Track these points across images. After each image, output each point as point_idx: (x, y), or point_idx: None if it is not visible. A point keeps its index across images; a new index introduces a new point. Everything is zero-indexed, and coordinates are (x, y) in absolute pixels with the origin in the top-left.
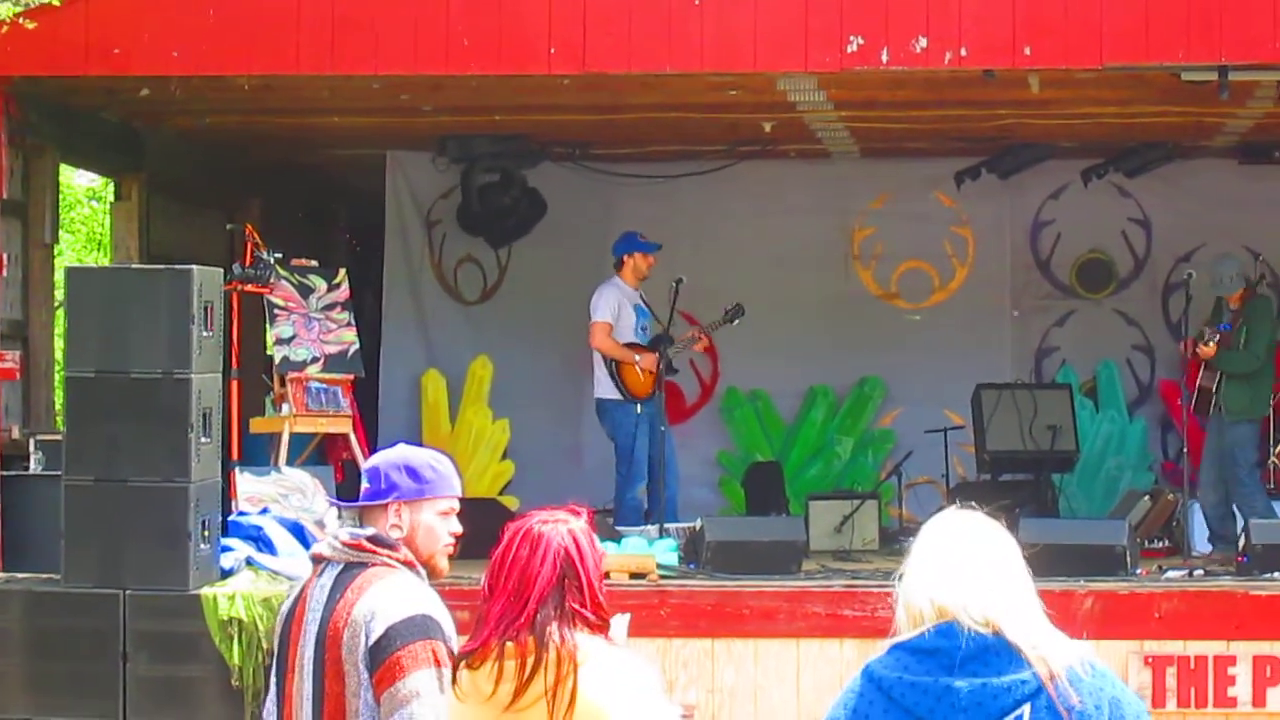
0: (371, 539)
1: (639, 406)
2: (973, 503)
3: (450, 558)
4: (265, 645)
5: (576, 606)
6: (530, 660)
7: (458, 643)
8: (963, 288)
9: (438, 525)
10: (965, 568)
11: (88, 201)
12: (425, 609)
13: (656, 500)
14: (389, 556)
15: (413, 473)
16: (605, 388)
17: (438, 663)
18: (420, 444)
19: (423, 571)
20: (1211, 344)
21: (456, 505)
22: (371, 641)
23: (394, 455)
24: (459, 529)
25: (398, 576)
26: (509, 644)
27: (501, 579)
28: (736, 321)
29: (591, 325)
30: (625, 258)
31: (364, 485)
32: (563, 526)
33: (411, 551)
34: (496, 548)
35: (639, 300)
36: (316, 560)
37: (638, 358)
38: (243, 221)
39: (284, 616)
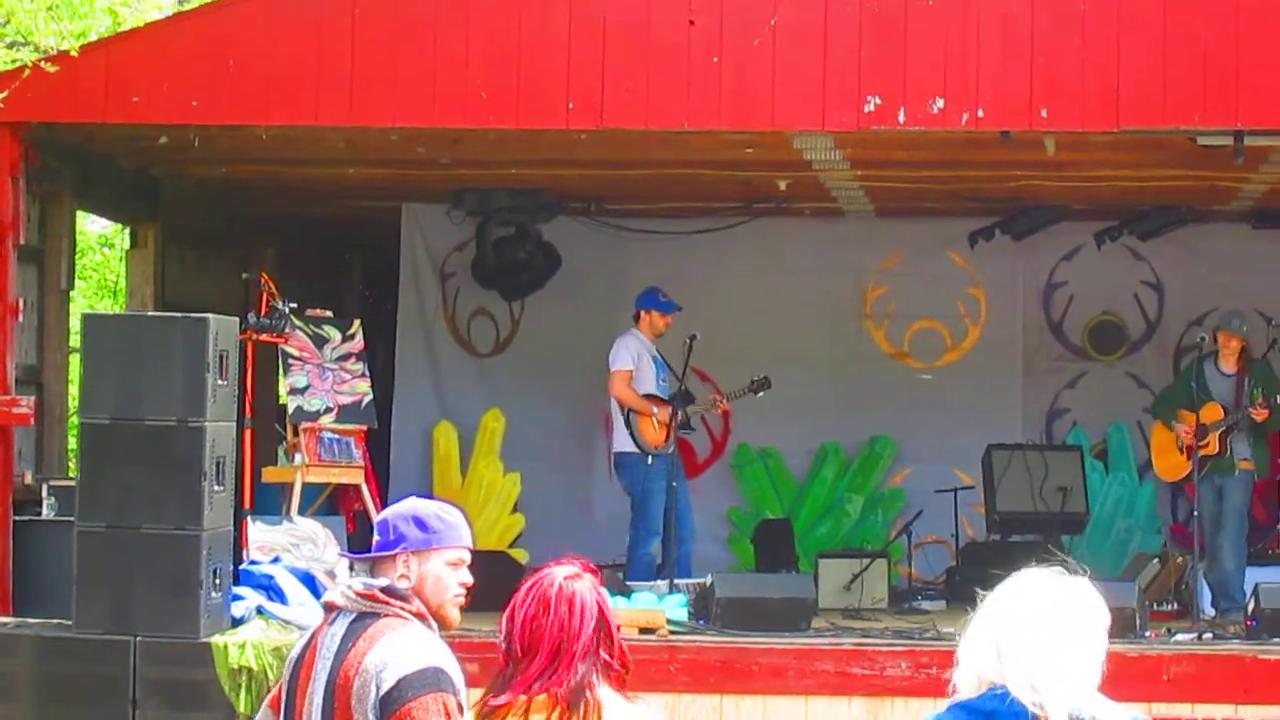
0: (385, 590)
1: (651, 459)
2: (1060, 561)
3: (460, 609)
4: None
5: (607, 658)
6: (559, 712)
7: (467, 696)
8: (975, 348)
9: (446, 575)
10: (1021, 637)
11: (100, 248)
12: (437, 661)
13: (669, 555)
14: (401, 608)
15: (420, 523)
16: (623, 440)
17: (448, 715)
18: (431, 496)
19: (434, 624)
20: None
21: (467, 556)
22: (383, 692)
23: (403, 507)
24: (469, 580)
25: (410, 628)
26: (539, 697)
27: (543, 637)
28: (761, 394)
29: (611, 374)
30: (643, 312)
31: (375, 538)
32: (588, 580)
33: (421, 602)
34: (523, 605)
35: (657, 353)
36: (329, 608)
37: (655, 409)
38: (258, 271)
39: (293, 662)
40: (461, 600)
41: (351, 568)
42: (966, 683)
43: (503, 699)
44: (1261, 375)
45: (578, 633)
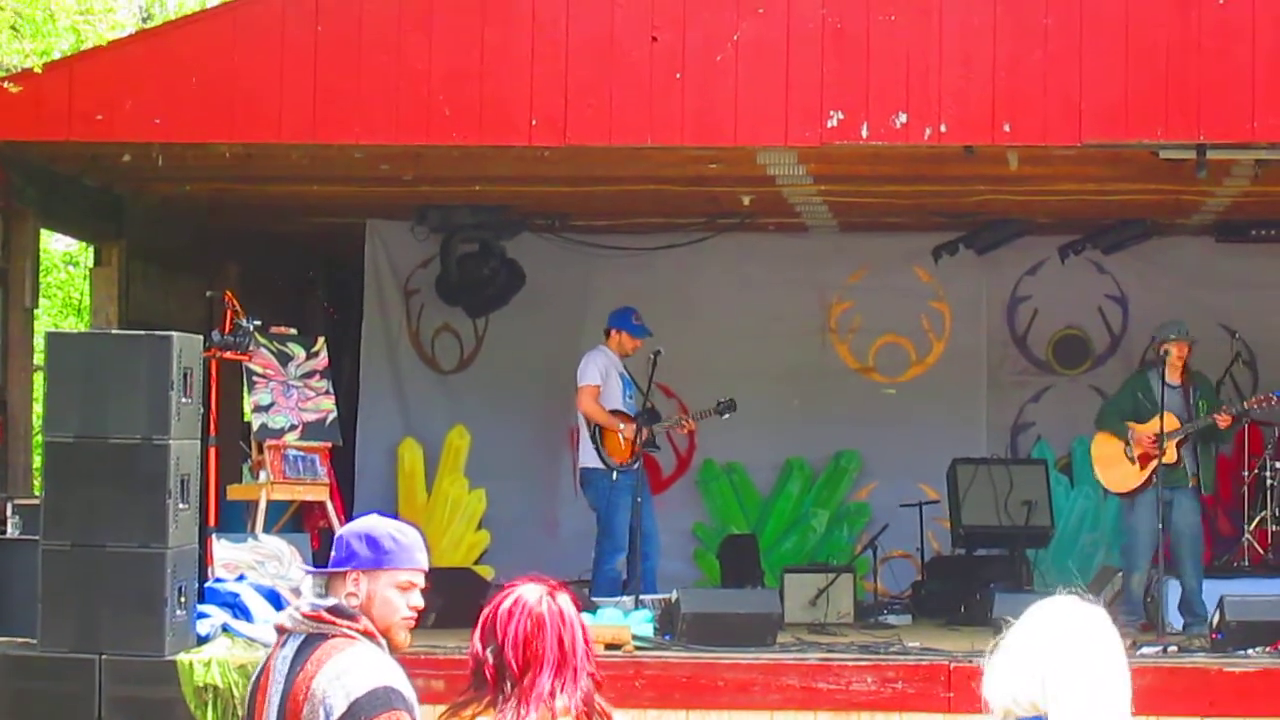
0: (332, 610)
1: (615, 475)
2: (1081, 592)
3: (410, 630)
4: (240, 712)
5: (592, 670)
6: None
7: (420, 712)
8: (939, 362)
9: (395, 598)
10: (1072, 667)
11: (64, 266)
12: (386, 680)
13: (634, 571)
14: (349, 627)
15: (373, 542)
16: (589, 456)
17: None
18: (395, 513)
19: (384, 642)
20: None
21: (419, 579)
22: (334, 717)
23: (359, 525)
24: (419, 603)
25: (357, 648)
26: (560, 711)
27: (543, 652)
28: (726, 415)
29: (579, 389)
30: (614, 331)
31: (331, 554)
32: (565, 595)
33: (370, 621)
34: (513, 621)
35: (624, 370)
36: (279, 631)
37: (621, 425)
38: (222, 288)
39: (251, 686)
40: (411, 623)
41: (313, 583)
42: (994, 710)
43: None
44: (1205, 388)
45: (574, 646)
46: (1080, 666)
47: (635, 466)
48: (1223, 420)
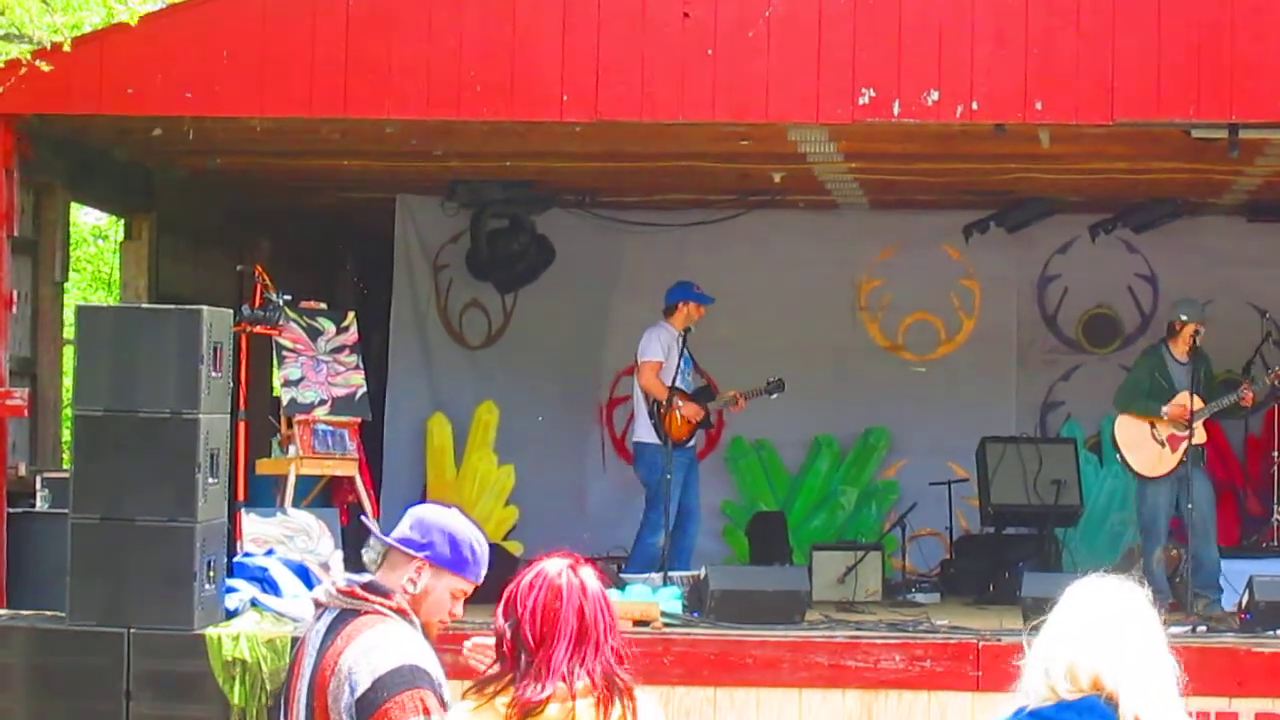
0: (366, 586)
1: (672, 451)
2: (1127, 573)
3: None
4: (268, 686)
5: (617, 645)
6: (600, 697)
7: (449, 689)
8: (969, 341)
9: (447, 601)
10: (1114, 642)
11: (94, 240)
12: (412, 659)
13: (671, 547)
14: (380, 604)
15: (455, 544)
16: (645, 430)
17: (426, 711)
18: (424, 488)
19: (416, 620)
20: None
21: (470, 592)
22: (358, 695)
23: (446, 519)
24: (460, 614)
25: (387, 626)
26: (580, 683)
27: (561, 624)
28: (775, 395)
29: (641, 364)
30: (680, 305)
31: (405, 530)
32: (590, 569)
33: (413, 609)
34: (533, 593)
35: (685, 348)
36: (316, 605)
37: (680, 403)
38: (252, 263)
39: (290, 659)
40: (444, 627)
41: (367, 545)
42: (1038, 690)
43: (545, 692)
44: (1206, 364)
45: (595, 619)
46: (1144, 646)
47: (691, 444)
48: (1246, 398)
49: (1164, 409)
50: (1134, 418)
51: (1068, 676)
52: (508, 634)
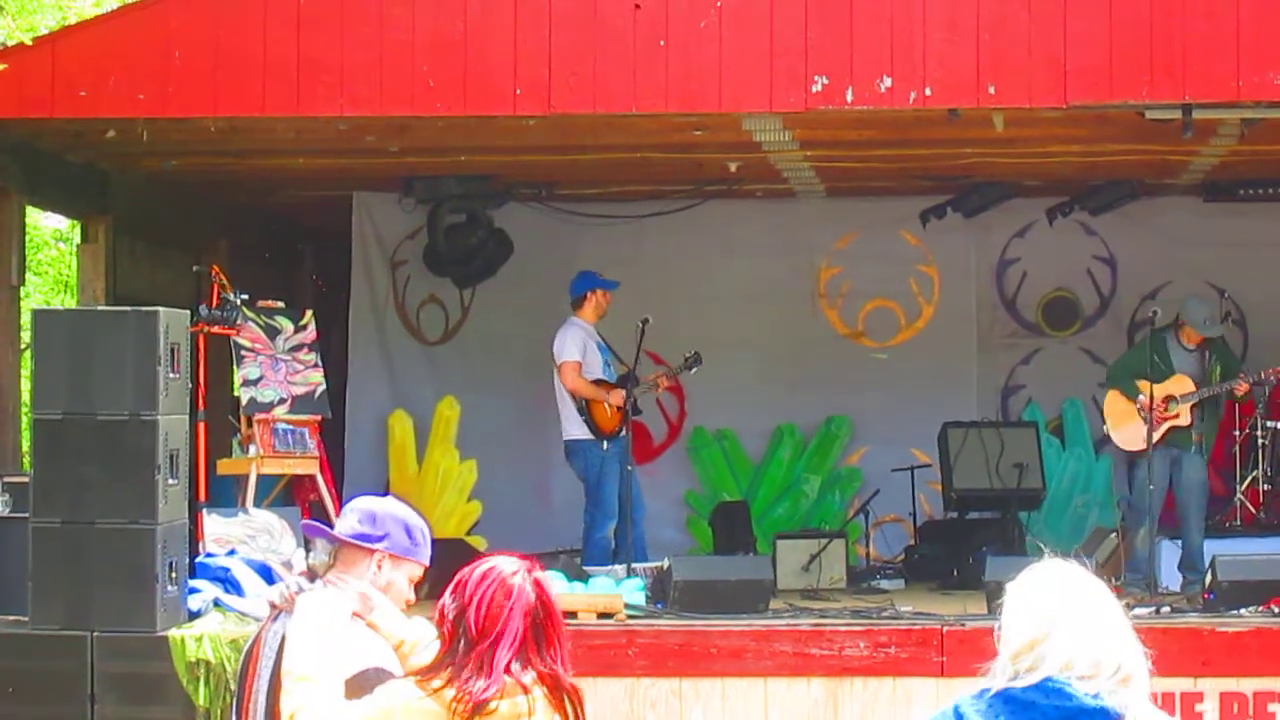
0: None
1: (605, 444)
2: (1093, 555)
3: None
4: (232, 687)
5: (561, 654)
6: (549, 692)
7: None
8: (929, 326)
9: (405, 590)
10: (1081, 622)
11: (55, 244)
12: (371, 661)
13: (624, 539)
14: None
15: (409, 531)
16: (574, 427)
17: None
18: (387, 484)
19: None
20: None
21: (421, 576)
22: None
23: (393, 508)
24: (413, 599)
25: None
26: (526, 676)
27: (507, 621)
28: (694, 369)
29: (560, 366)
30: (588, 294)
31: (354, 525)
32: (545, 575)
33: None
34: (479, 588)
35: (599, 338)
36: (271, 607)
37: (607, 395)
38: (209, 263)
39: (243, 660)
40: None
41: (311, 547)
42: (1005, 670)
43: (491, 690)
44: (1220, 352)
45: (543, 626)
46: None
47: (623, 434)
48: (1240, 387)
49: (1143, 389)
50: (1121, 394)
51: (1033, 659)
52: (450, 615)
